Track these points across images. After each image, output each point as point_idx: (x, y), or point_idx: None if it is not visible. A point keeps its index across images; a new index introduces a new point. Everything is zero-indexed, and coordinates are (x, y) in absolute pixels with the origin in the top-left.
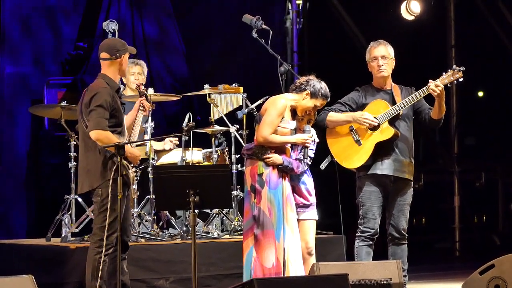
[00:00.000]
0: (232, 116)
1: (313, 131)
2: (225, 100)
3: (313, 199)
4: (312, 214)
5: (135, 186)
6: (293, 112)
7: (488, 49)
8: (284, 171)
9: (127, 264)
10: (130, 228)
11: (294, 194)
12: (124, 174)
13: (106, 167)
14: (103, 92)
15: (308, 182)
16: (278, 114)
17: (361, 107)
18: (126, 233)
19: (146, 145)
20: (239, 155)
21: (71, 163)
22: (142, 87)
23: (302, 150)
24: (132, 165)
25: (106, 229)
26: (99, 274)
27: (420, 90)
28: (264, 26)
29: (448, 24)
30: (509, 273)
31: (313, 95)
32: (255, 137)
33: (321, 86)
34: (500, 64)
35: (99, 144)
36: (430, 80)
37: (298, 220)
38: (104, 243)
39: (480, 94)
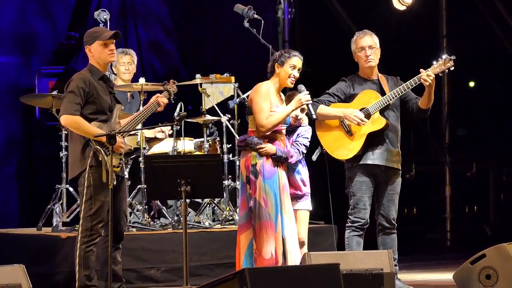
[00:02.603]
0: (223, 106)
1: (305, 118)
2: (216, 89)
3: (307, 189)
4: (305, 204)
5: (126, 176)
6: (287, 98)
7: (480, 39)
8: (278, 160)
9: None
10: (124, 218)
11: (288, 184)
12: (100, 160)
13: (84, 154)
14: (75, 78)
15: (303, 172)
16: (264, 99)
17: (349, 97)
18: (120, 223)
19: (137, 135)
20: (230, 145)
21: (62, 152)
22: (171, 84)
23: (308, 108)
24: (109, 151)
25: (92, 219)
26: (88, 263)
27: (411, 80)
28: (255, 16)
29: (440, 14)
30: (500, 263)
31: (281, 62)
32: (249, 129)
33: (280, 52)
34: (491, 54)
35: (70, 129)
36: (421, 70)
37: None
38: (89, 233)
39: (472, 84)
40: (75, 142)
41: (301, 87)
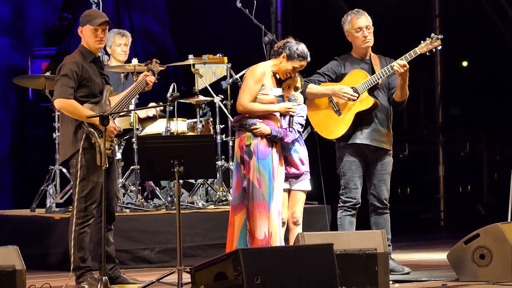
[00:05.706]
0: (216, 86)
1: (300, 97)
2: (209, 70)
3: (305, 168)
4: (304, 185)
5: (119, 157)
6: (280, 80)
7: (472, 18)
8: (273, 140)
9: (113, 235)
10: (115, 199)
11: (286, 164)
12: (93, 143)
13: (76, 136)
14: (68, 62)
15: (300, 151)
16: (255, 81)
17: (340, 77)
18: (111, 204)
19: (130, 115)
20: (223, 125)
21: (55, 133)
22: (155, 64)
23: (289, 119)
24: (101, 133)
25: (85, 200)
26: (82, 244)
27: (395, 62)
28: None
29: None
30: (494, 243)
31: (289, 57)
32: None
33: (297, 47)
34: (484, 33)
35: (65, 112)
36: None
37: (290, 190)
38: (83, 214)
39: (465, 63)
40: (67, 124)
41: (293, 96)
